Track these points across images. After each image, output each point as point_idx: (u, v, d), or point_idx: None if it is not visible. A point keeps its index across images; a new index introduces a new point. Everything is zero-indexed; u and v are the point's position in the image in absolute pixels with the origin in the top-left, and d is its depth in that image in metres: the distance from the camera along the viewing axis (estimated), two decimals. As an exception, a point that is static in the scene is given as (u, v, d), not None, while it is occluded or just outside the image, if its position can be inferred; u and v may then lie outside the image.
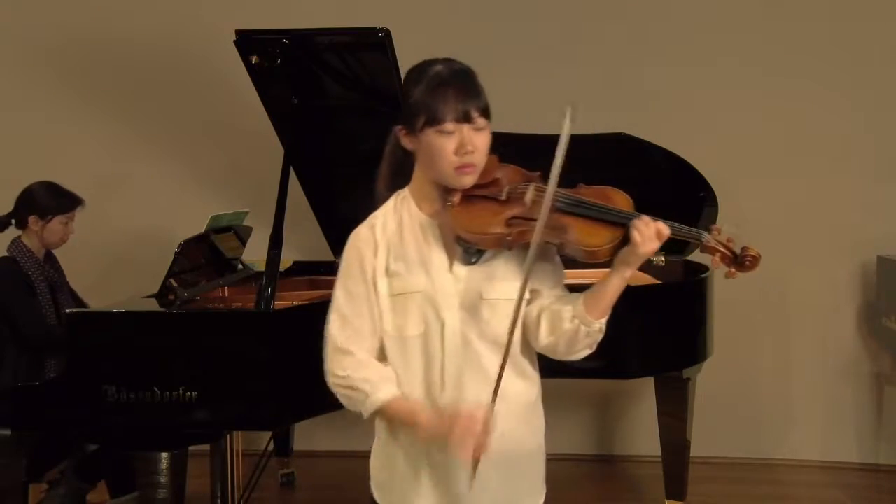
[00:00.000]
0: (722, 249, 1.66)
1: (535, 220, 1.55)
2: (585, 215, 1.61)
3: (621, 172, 3.35)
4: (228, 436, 3.05)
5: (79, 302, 3.33)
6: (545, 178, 1.59)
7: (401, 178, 1.73)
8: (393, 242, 1.66)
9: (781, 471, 4.17)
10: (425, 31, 3.95)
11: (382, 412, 1.64)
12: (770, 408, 4.24)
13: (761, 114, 4.11)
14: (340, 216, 3.59)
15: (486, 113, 1.60)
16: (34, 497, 3.11)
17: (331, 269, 3.75)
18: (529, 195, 1.62)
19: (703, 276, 3.23)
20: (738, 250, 1.66)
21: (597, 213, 1.61)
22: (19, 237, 3.17)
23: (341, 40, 2.98)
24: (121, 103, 4.41)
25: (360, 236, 1.69)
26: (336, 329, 1.67)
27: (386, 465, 1.74)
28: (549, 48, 4.11)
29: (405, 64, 3.05)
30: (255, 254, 3.52)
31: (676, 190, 3.36)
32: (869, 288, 4.10)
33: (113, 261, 4.36)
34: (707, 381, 3.53)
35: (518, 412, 1.68)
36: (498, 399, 1.56)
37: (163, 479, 2.63)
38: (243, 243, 3.60)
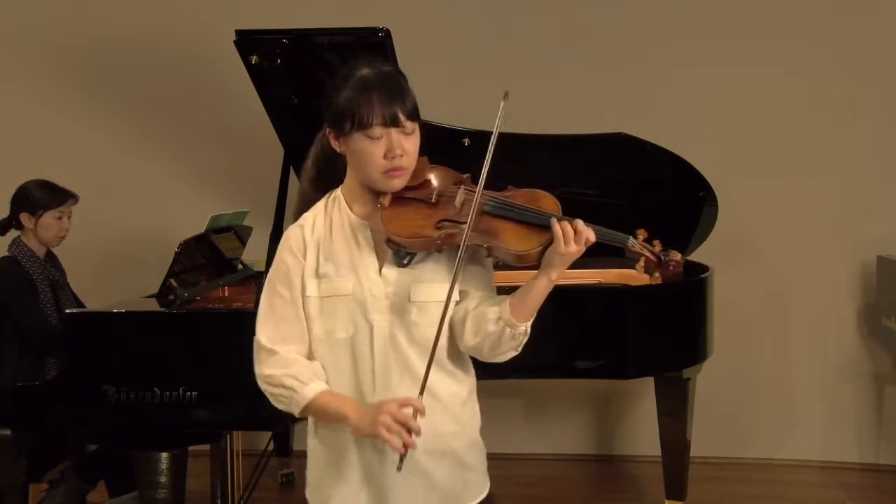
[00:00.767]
0: (647, 254, 1.63)
1: (464, 223, 1.56)
2: (514, 219, 1.60)
3: (622, 172, 3.39)
4: (228, 436, 3.05)
5: (78, 302, 3.33)
6: (475, 179, 1.59)
7: (329, 178, 1.72)
8: (323, 243, 1.66)
9: (781, 471, 4.17)
10: (425, 31, 3.96)
11: (312, 408, 1.63)
12: (770, 408, 4.24)
13: (761, 114, 4.11)
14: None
15: (413, 116, 1.60)
16: (34, 497, 3.11)
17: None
18: (459, 198, 1.62)
19: (703, 276, 3.23)
20: (662, 256, 1.63)
21: (524, 216, 1.60)
22: (19, 237, 3.18)
23: (341, 40, 2.98)
24: (121, 103, 4.41)
25: (290, 238, 1.68)
26: (262, 331, 1.68)
27: (317, 464, 1.72)
28: (549, 48, 4.11)
29: (405, 64, 3.05)
30: (255, 254, 3.52)
31: (676, 190, 3.37)
32: (869, 288, 4.10)
33: (113, 261, 4.36)
34: (707, 381, 3.53)
35: (452, 410, 1.68)
36: (432, 400, 1.59)
37: (163, 479, 2.64)
38: (243, 243, 3.60)
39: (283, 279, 1.66)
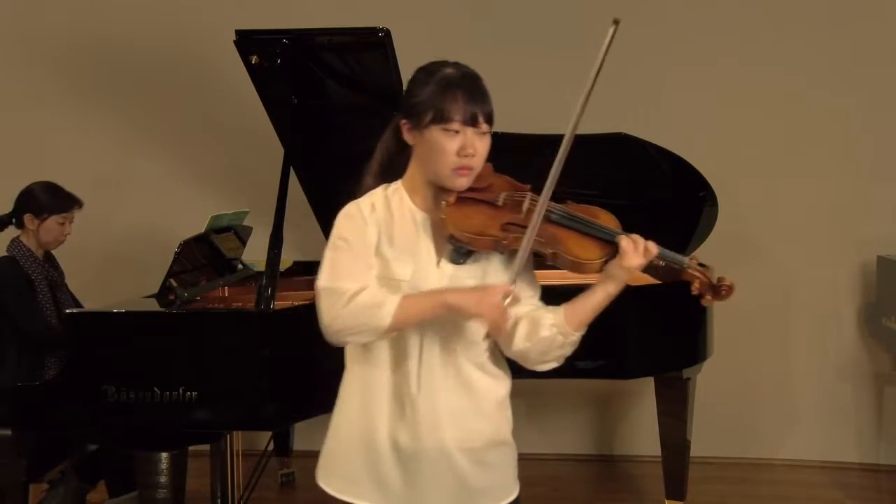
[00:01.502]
0: (701, 277, 1.71)
1: (528, 227, 1.61)
2: (577, 229, 1.67)
3: (622, 172, 3.39)
4: (228, 436, 3.05)
5: (76, 303, 3.33)
6: (535, 190, 1.64)
7: (389, 173, 1.75)
8: (384, 225, 1.68)
9: (781, 471, 4.17)
10: (425, 31, 3.96)
11: (402, 308, 1.58)
12: (770, 408, 4.24)
13: (761, 114, 4.11)
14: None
15: (490, 119, 1.64)
16: (34, 497, 3.11)
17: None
18: (526, 204, 1.67)
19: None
20: (714, 279, 1.72)
21: (588, 228, 1.67)
22: (18, 237, 3.18)
23: (341, 40, 2.99)
24: (121, 103, 4.41)
25: (352, 209, 1.70)
26: (326, 277, 1.64)
27: (348, 448, 1.72)
28: (548, 48, 4.10)
29: (405, 64, 3.06)
30: (255, 254, 3.52)
31: (676, 190, 3.36)
32: (869, 288, 4.10)
33: (113, 261, 4.36)
34: (707, 381, 3.53)
35: (487, 409, 1.71)
36: (469, 397, 1.66)
37: (163, 479, 2.63)
38: (243, 243, 3.60)
39: (344, 235, 1.66)
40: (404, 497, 1.67)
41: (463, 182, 1.64)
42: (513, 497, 1.76)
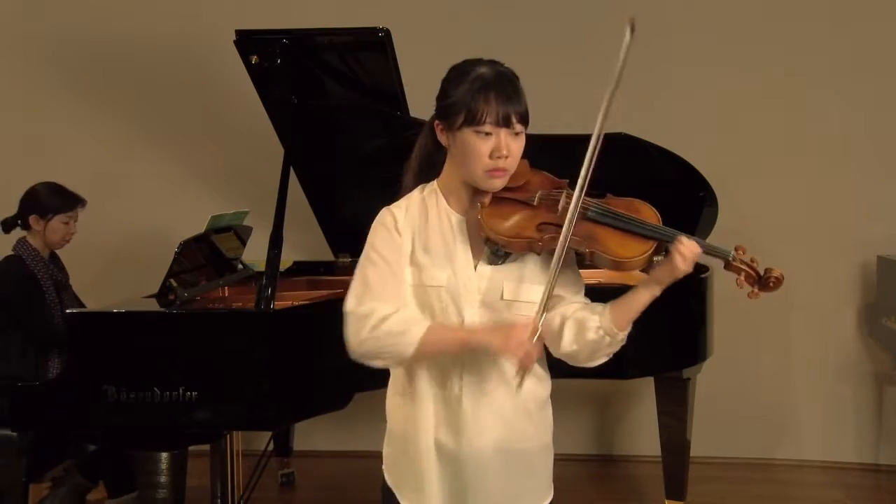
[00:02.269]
0: (746, 269, 1.66)
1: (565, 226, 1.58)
2: (616, 226, 1.63)
3: (621, 173, 3.38)
4: (228, 436, 3.05)
5: (79, 304, 3.33)
6: (572, 186, 1.60)
7: (428, 172, 1.73)
8: (418, 231, 1.66)
9: (781, 471, 4.17)
10: (425, 30, 3.96)
11: (426, 346, 1.58)
12: (770, 408, 4.24)
13: (761, 114, 4.11)
14: (340, 216, 3.59)
15: (524, 119, 1.61)
16: (34, 497, 3.11)
17: (331, 269, 3.78)
18: (562, 202, 1.63)
19: (703, 275, 3.23)
20: (761, 271, 1.67)
21: (627, 225, 1.63)
22: (24, 237, 3.20)
23: (341, 40, 2.99)
24: (121, 103, 4.41)
25: (384, 217, 1.68)
26: (354, 300, 1.63)
27: (397, 451, 1.73)
28: (548, 48, 4.10)
29: (405, 64, 3.06)
30: (255, 254, 3.51)
31: (676, 190, 3.36)
32: (869, 288, 4.10)
33: (113, 260, 4.35)
34: (707, 381, 3.53)
35: (529, 410, 1.71)
36: (512, 399, 1.64)
37: (163, 479, 2.63)
38: (243, 243, 3.60)
39: (387, 244, 1.64)
40: (447, 501, 1.67)
41: (497, 183, 1.62)
42: (548, 501, 1.79)
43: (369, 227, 1.71)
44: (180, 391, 2.55)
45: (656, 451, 3.45)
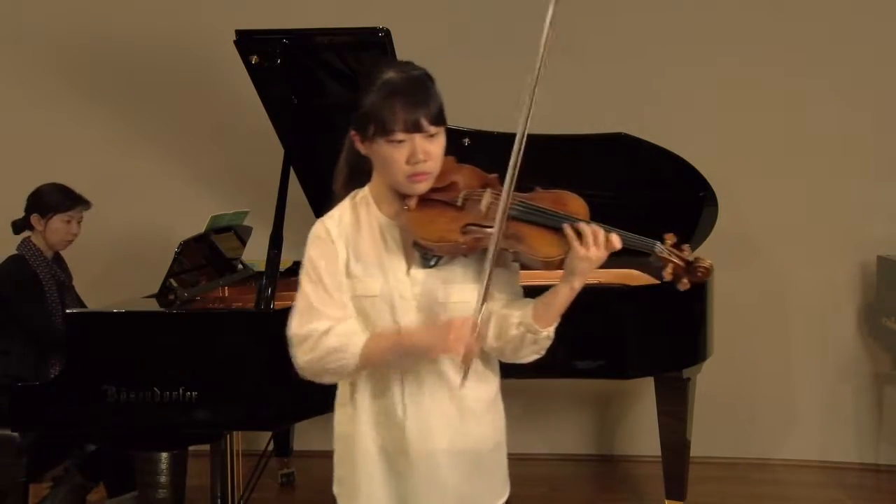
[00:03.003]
0: (675, 260, 1.61)
1: (490, 227, 1.55)
2: (541, 223, 1.59)
3: (622, 172, 3.39)
4: (228, 436, 3.05)
5: (81, 305, 3.34)
6: (502, 180, 1.57)
7: (359, 178, 1.71)
8: (351, 240, 1.64)
9: (781, 471, 4.17)
10: (425, 31, 3.96)
11: (368, 352, 1.59)
12: (770, 408, 4.24)
13: (761, 114, 4.10)
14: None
15: (438, 120, 1.57)
16: (34, 497, 3.11)
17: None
18: (485, 202, 1.60)
19: (703, 276, 3.22)
20: (690, 259, 1.61)
21: (550, 220, 1.58)
22: (28, 237, 3.21)
23: (341, 40, 2.98)
24: (121, 103, 4.41)
25: (316, 231, 1.67)
26: (296, 321, 1.64)
27: (344, 458, 1.72)
28: (548, 48, 4.10)
29: (405, 64, 3.05)
30: (255, 254, 3.52)
31: (676, 190, 3.36)
32: (869, 288, 4.10)
33: (113, 260, 4.36)
34: (707, 381, 3.52)
35: (474, 410, 1.68)
36: (455, 400, 1.62)
37: (163, 479, 2.63)
38: (243, 243, 3.60)
39: (316, 263, 1.63)
40: None
41: (421, 187, 1.59)
42: (503, 500, 1.75)
43: None
44: (180, 391, 2.55)
45: (656, 451, 3.45)
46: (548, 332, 1.60)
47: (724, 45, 4.11)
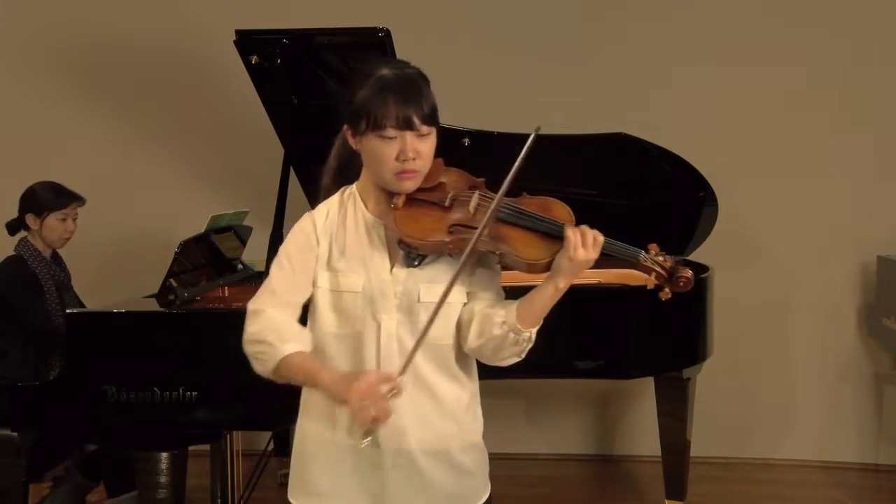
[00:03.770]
0: (658, 269, 1.63)
1: (476, 228, 1.56)
2: (526, 227, 1.61)
3: (622, 173, 3.39)
4: (228, 436, 3.05)
5: (80, 304, 3.34)
6: (489, 184, 1.58)
7: (348, 172, 1.72)
8: (336, 236, 1.65)
9: (781, 471, 4.17)
10: (425, 31, 3.96)
11: (285, 365, 1.62)
12: (770, 408, 4.24)
13: (761, 114, 4.11)
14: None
15: (430, 119, 1.58)
16: (34, 497, 3.11)
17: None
18: (473, 203, 1.62)
19: (703, 276, 3.23)
20: (672, 272, 1.64)
21: (537, 224, 1.60)
22: (26, 237, 3.20)
23: (341, 40, 2.98)
24: (121, 103, 4.41)
25: (302, 223, 1.69)
26: (256, 300, 1.69)
27: (304, 462, 1.74)
28: (548, 48, 4.10)
29: (405, 64, 3.05)
30: (255, 254, 3.52)
31: (676, 190, 3.36)
32: (869, 288, 4.10)
33: (113, 260, 4.36)
34: (707, 381, 3.53)
35: (453, 414, 1.68)
36: (434, 402, 1.62)
37: (163, 479, 2.64)
38: (243, 243, 3.60)
39: (290, 253, 1.66)
40: None
41: (409, 185, 1.60)
42: (483, 500, 1.74)
43: None
44: (180, 391, 2.55)
45: (656, 451, 3.45)
46: (530, 333, 1.60)
47: (724, 45, 4.11)
